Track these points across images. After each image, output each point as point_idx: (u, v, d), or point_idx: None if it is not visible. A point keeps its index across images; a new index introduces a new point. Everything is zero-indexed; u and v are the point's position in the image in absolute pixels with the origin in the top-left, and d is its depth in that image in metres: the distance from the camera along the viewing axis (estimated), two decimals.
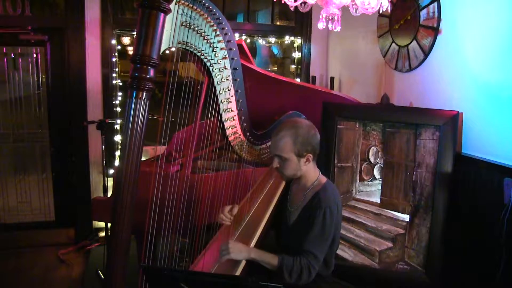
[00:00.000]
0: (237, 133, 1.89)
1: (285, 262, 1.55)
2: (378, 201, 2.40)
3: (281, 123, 1.74)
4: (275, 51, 4.52)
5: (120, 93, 3.53)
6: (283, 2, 2.11)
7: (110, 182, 3.17)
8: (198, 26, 1.51)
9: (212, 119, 1.80)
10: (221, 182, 2.09)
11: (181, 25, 1.46)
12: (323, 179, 1.75)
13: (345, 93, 3.33)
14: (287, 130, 1.65)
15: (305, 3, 2.11)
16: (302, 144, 1.64)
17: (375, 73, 3.15)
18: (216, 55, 1.64)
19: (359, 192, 2.45)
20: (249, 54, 2.66)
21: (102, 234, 3.52)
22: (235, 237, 1.74)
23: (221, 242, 1.59)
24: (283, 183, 1.93)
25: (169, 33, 1.42)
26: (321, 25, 2.15)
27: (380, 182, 2.40)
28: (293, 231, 1.73)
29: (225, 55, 1.66)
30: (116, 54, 3.48)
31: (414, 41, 2.60)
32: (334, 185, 1.81)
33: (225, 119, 1.81)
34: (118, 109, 3.52)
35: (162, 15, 1.34)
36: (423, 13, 2.52)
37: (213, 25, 1.56)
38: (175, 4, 1.42)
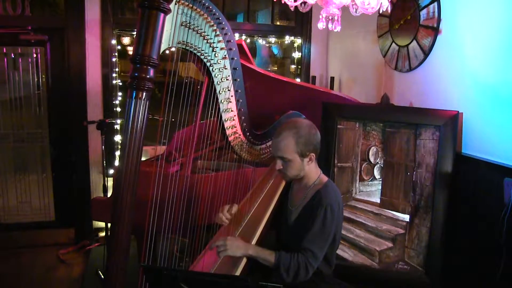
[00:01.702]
0: (237, 133, 1.89)
1: (282, 259, 1.54)
2: (378, 201, 2.40)
3: (281, 125, 1.73)
4: (275, 51, 4.52)
5: (120, 93, 3.53)
6: (283, 2, 2.11)
7: (110, 182, 3.17)
8: (198, 26, 1.52)
9: (212, 119, 1.80)
10: (221, 182, 2.09)
11: (181, 25, 1.46)
12: (324, 178, 1.75)
13: (345, 93, 3.32)
14: (288, 131, 1.64)
15: (305, 3, 2.11)
16: (304, 144, 1.63)
17: (375, 73, 3.15)
18: (216, 55, 1.64)
19: (359, 192, 2.45)
20: (249, 54, 2.66)
21: (102, 234, 3.52)
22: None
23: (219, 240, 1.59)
24: (283, 183, 1.93)
25: (169, 33, 1.42)
26: (321, 25, 2.15)
27: (380, 182, 2.40)
28: (293, 231, 1.72)
29: (225, 55, 1.67)
30: (116, 54, 3.48)
31: (414, 41, 2.60)
32: (335, 184, 1.81)
33: (225, 119, 1.81)
34: (118, 109, 3.52)
35: (162, 15, 1.34)
36: (423, 13, 2.52)
37: (213, 25, 1.57)
38: (175, 4, 1.42)
